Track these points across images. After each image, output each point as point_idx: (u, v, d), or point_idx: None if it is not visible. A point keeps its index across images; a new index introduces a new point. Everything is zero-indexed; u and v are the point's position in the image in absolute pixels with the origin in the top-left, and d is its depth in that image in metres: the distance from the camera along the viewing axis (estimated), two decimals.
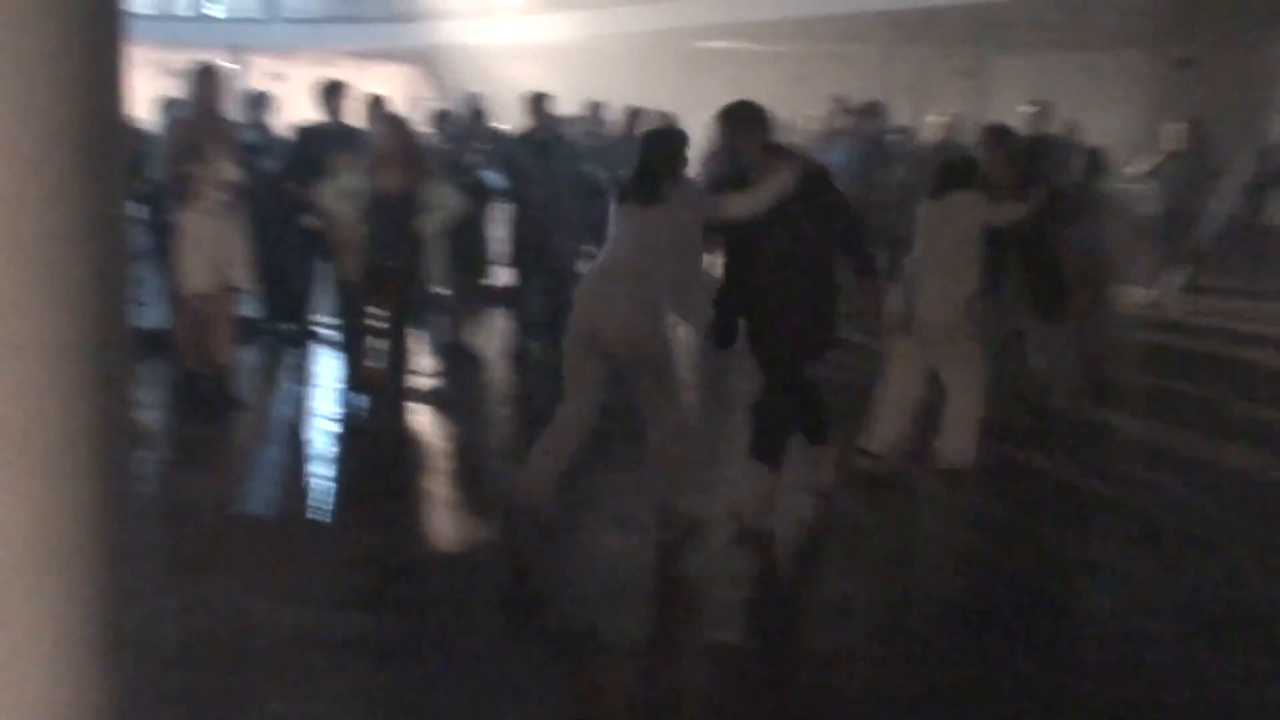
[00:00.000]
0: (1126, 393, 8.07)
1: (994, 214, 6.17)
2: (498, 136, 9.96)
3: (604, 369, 5.26)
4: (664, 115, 11.22)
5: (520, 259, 9.13)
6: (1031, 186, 6.51)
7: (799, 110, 13.92)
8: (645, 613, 4.92)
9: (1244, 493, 6.34)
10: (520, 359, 9.16)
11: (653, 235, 5.05)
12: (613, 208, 5.29)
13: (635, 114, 11.20)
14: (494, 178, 8.89)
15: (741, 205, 5.16)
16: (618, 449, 6.11)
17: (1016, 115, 10.55)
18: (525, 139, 8.95)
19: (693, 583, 5.27)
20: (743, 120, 5.37)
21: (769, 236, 5.21)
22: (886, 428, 6.24)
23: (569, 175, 9.05)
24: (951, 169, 6.29)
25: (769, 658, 4.55)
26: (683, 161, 5.25)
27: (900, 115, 17.53)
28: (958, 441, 6.26)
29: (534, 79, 23.61)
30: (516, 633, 4.59)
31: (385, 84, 28.67)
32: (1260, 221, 13.98)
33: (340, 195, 7.14)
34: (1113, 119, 19.72)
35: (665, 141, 5.32)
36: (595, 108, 11.37)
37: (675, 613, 5.02)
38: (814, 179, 5.29)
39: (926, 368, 6.27)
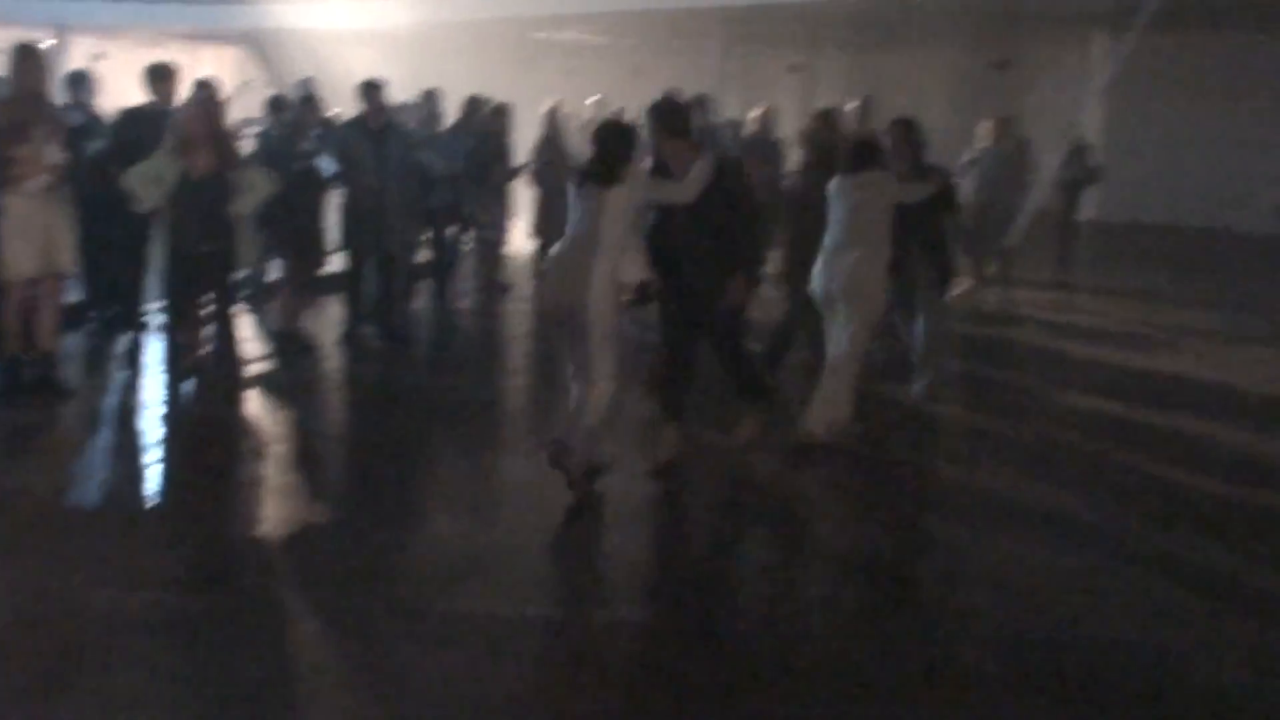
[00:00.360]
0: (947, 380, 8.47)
1: (903, 192, 6.83)
2: (331, 123, 9.95)
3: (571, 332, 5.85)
4: (501, 105, 11.33)
5: (354, 245, 9.12)
6: (930, 171, 7.24)
7: (633, 100, 14.18)
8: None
9: (1063, 473, 6.72)
10: (354, 345, 9.18)
11: (609, 212, 5.70)
12: (573, 190, 5.85)
13: (474, 103, 11.26)
14: (328, 164, 8.88)
15: (678, 192, 5.91)
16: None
17: (843, 110, 11.00)
18: (359, 126, 8.94)
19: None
20: (663, 116, 6.18)
21: (683, 215, 6.00)
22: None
23: (403, 163, 9.08)
24: (865, 149, 6.88)
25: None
26: (634, 149, 5.86)
27: (732, 109, 17.97)
28: (833, 410, 6.77)
29: (368, 65, 23.33)
30: (351, 610, 4.68)
31: (214, 66, 28.10)
32: (1072, 217, 14.72)
33: (145, 180, 7.01)
34: (935, 116, 20.43)
35: (621, 132, 5.92)
36: (430, 95, 11.38)
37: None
38: (727, 170, 6.11)
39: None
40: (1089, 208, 15.26)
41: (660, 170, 6.09)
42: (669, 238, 6.14)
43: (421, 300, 10.80)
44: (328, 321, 9.77)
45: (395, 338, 9.33)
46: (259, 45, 26.33)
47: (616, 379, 5.81)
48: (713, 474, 6.59)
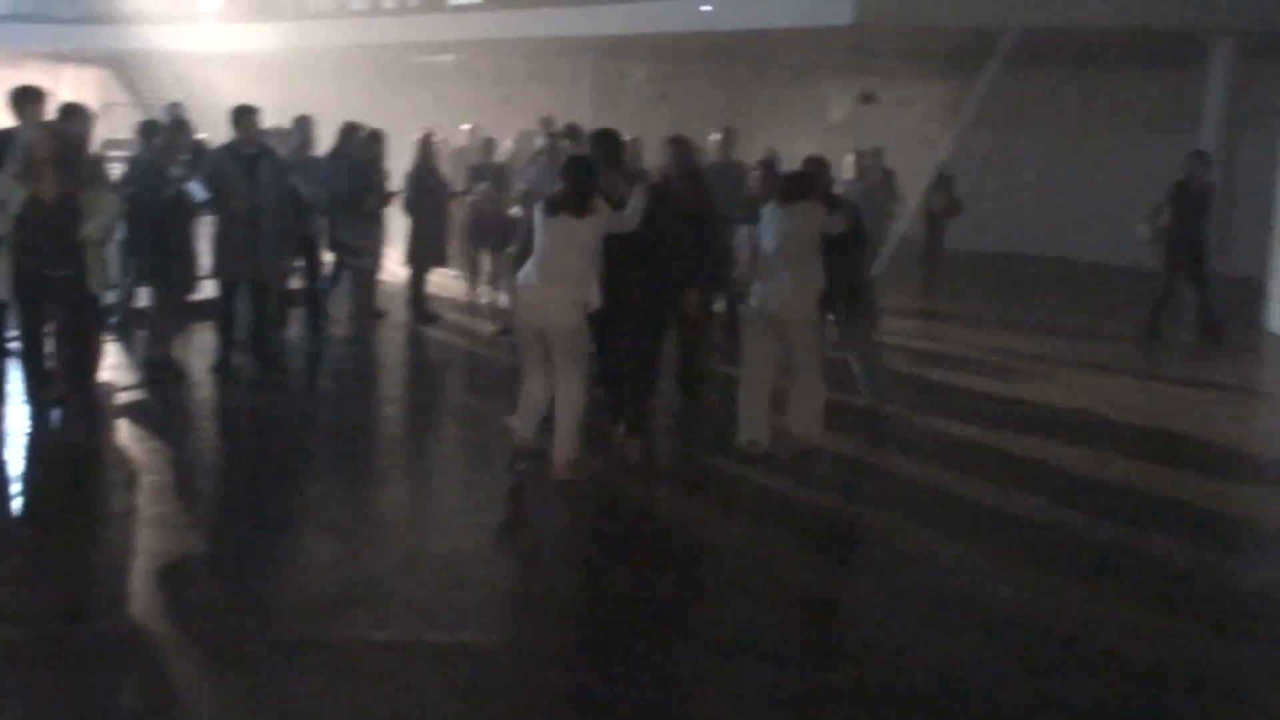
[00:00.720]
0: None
1: (828, 222, 7.25)
2: (202, 147, 9.82)
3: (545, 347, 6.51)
4: (375, 131, 11.27)
5: (226, 272, 9.01)
6: (841, 205, 7.68)
7: (504, 126, 14.31)
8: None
9: (929, 500, 6.95)
10: (227, 373, 9.07)
11: (580, 240, 6.34)
12: (541, 218, 6.42)
13: (349, 129, 11.20)
14: (197, 189, 8.76)
15: (623, 221, 6.47)
16: None
17: (708, 139, 11.21)
18: (231, 151, 8.85)
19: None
20: (607, 146, 6.85)
21: (631, 239, 6.55)
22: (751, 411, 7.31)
23: (276, 189, 9.00)
24: (800, 180, 7.29)
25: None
26: (598, 181, 6.47)
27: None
28: (809, 421, 7.32)
29: (238, 88, 23.01)
30: (229, 642, 4.64)
31: (75, 88, 27.41)
32: (937, 247, 15.18)
33: None
34: (804, 147, 20.84)
35: (590, 165, 6.52)
36: (302, 121, 11.29)
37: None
38: (663, 197, 6.87)
39: (779, 355, 7.33)
40: (955, 237, 15.71)
41: (608, 199, 6.55)
42: (611, 262, 6.58)
43: (295, 328, 10.69)
44: (200, 349, 9.63)
45: (269, 365, 9.24)
46: (123, 67, 25.76)
47: (584, 384, 6.57)
48: (604, 498, 6.67)
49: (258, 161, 8.83)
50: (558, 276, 6.36)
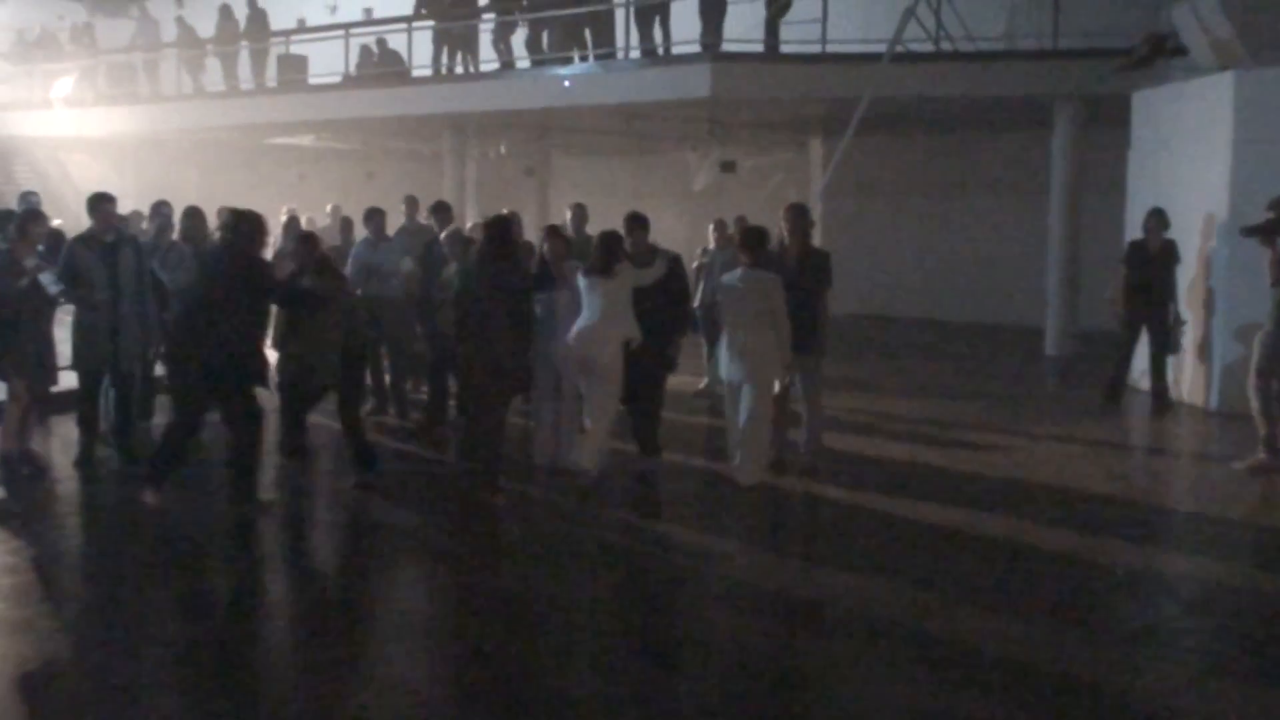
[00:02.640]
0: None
1: (640, 276, 8.32)
2: (59, 235, 9.60)
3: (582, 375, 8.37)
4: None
5: (86, 363, 8.79)
6: (658, 257, 8.65)
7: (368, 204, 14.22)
8: None
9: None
10: (91, 467, 8.83)
11: (613, 295, 8.09)
12: (582, 280, 8.18)
13: (192, 215, 10.96)
14: (51, 281, 8.50)
15: (648, 276, 8.32)
16: None
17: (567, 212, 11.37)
18: (88, 240, 8.65)
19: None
20: (639, 220, 8.75)
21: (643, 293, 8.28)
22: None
23: (137, 276, 8.83)
24: (614, 246, 8.25)
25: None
26: (623, 248, 8.26)
27: (471, 213, 18.22)
28: (755, 464, 8.39)
29: (98, 175, 22.67)
30: None
31: None
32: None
33: None
34: (668, 216, 21.23)
35: (617, 237, 8.26)
36: (159, 206, 11.07)
37: None
38: (676, 264, 8.72)
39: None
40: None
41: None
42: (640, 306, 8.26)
43: (162, 417, 10.41)
44: (63, 443, 9.36)
45: (134, 458, 8.97)
46: None
47: (615, 409, 8.41)
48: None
49: (117, 249, 8.67)
50: (599, 322, 8.10)
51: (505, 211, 9.33)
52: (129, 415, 9.10)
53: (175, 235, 10.68)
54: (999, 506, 8.12)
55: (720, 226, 12.42)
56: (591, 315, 8.14)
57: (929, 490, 8.51)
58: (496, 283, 7.83)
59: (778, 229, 9.01)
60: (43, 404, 9.18)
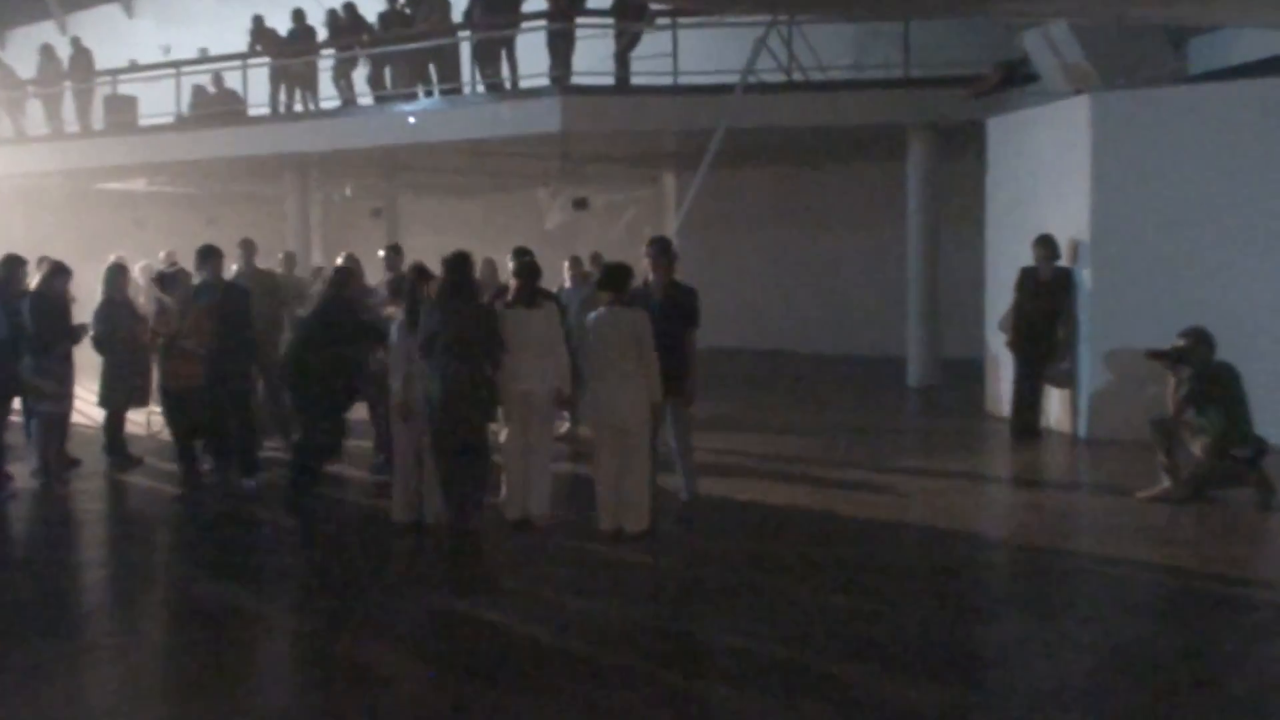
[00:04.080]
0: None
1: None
2: None
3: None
4: (57, 264, 10.26)
5: None
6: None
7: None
8: None
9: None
10: None
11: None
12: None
13: (10, 263, 10.16)
14: None
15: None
16: None
17: (423, 249, 10.83)
18: None
19: None
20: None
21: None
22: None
23: None
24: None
25: None
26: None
27: (315, 254, 17.49)
28: (638, 511, 7.86)
29: None
30: None
31: None
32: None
33: None
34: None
35: (626, 272, 8.01)
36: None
37: None
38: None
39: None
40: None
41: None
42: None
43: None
44: None
45: None
46: None
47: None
48: None
49: None
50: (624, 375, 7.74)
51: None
52: None
53: None
54: (885, 547, 7.80)
55: (576, 264, 12.03)
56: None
57: (812, 534, 8.16)
58: (464, 321, 7.74)
59: (641, 265, 8.59)
60: None
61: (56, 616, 6.74)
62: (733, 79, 14.86)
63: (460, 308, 7.74)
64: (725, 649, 5.97)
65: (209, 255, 10.19)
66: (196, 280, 10.04)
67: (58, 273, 10.10)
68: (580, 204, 21.75)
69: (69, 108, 21.10)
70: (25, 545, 8.79)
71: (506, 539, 8.03)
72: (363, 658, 5.92)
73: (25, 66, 22.16)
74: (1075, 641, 6.00)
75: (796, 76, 15.74)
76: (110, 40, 25.43)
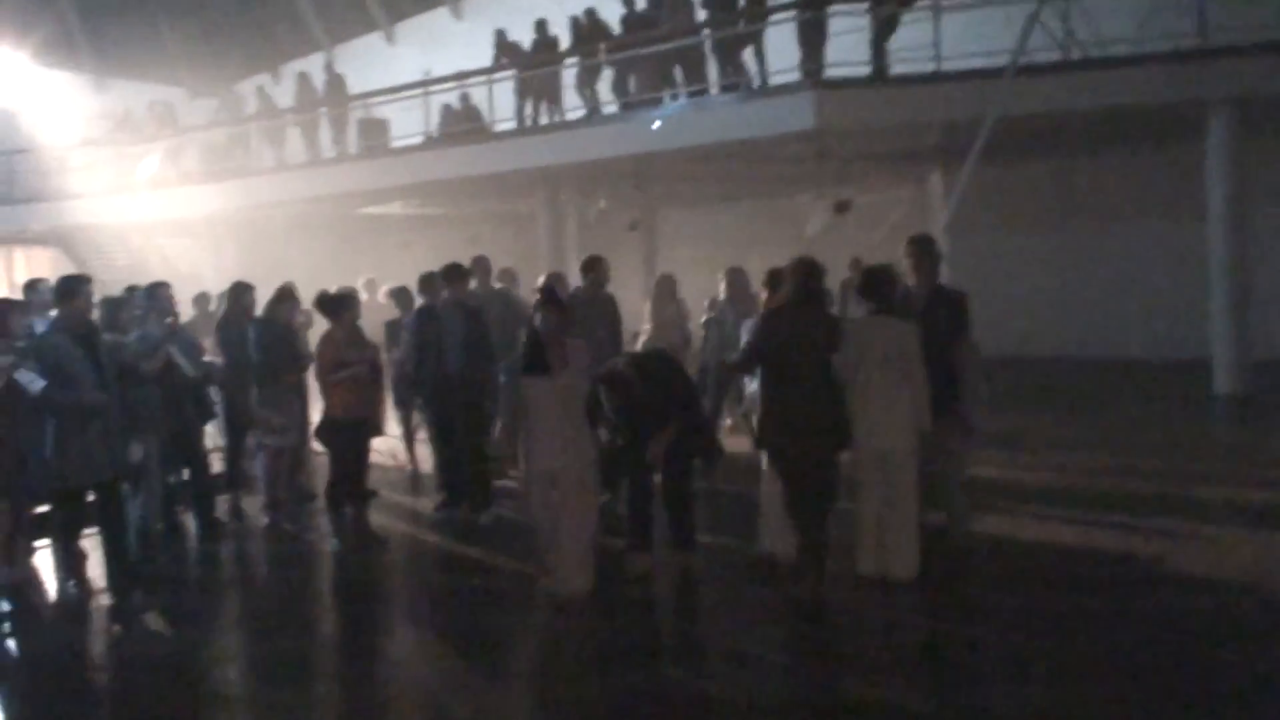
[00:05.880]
0: None
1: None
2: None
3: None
4: (284, 288, 9.89)
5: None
6: None
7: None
8: None
9: None
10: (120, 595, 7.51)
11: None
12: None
13: (238, 290, 9.96)
14: (28, 377, 7.12)
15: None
16: None
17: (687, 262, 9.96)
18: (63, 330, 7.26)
19: None
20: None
21: None
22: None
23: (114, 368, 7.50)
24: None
25: None
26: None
27: (574, 270, 16.90)
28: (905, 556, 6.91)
29: (188, 253, 21.89)
30: None
31: (28, 267, 26.36)
32: None
33: None
34: (780, 262, 19.54)
35: (890, 276, 7.11)
36: (156, 288, 9.52)
37: None
38: None
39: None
40: None
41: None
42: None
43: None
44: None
45: (148, 587, 7.64)
46: (71, 244, 24.51)
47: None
48: None
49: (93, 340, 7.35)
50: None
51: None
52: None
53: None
54: (1202, 601, 6.39)
55: (734, 274, 10.60)
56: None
57: (1111, 582, 6.85)
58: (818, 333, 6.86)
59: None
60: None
61: None
62: (1001, 62, 13.53)
63: (817, 318, 6.80)
64: None
65: (431, 280, 9.68)
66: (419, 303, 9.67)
67: (283, 298, 9.72)
68: (843, 207, 20.44)
69: (325, 135, 21.33)
70: (254, 591, 8.30)
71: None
72: None
73: (286, 99, 22.60)
74: None
75: (1074, 55, 14.16)
76: (374, 68, 25.88)
